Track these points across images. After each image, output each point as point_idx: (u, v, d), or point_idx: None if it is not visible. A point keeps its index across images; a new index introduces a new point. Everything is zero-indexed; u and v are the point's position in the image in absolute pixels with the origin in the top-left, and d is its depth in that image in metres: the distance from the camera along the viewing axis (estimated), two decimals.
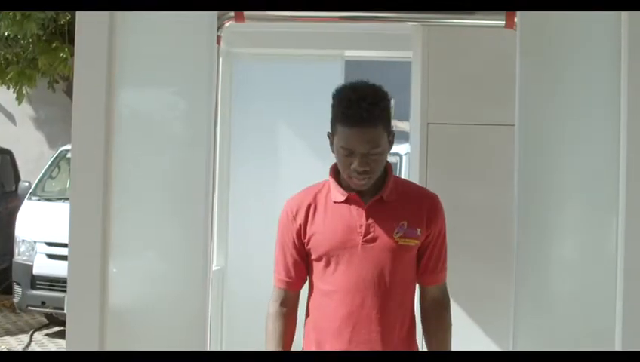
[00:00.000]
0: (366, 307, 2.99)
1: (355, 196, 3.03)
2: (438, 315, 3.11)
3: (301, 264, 3.10)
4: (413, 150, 4.42)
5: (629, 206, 2.87)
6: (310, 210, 3.08)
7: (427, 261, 3.09)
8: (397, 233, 3.01)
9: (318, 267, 3.06)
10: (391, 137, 3.01)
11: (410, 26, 4.26)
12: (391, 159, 3.10)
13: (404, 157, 7.72)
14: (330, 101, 2.97)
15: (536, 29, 3.03)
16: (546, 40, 3.03)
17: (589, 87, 3.02)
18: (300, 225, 3.07)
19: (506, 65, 3.26)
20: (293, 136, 5.13)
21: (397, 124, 7.12)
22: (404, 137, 5.47)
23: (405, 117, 5.47)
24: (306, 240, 3.07)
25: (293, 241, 3.08)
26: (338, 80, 5.02)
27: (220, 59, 3.76)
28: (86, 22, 3.08)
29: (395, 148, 8.82)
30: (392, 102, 2.98)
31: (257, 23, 3.82)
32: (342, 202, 3.05)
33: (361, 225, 3.01)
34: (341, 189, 3.05)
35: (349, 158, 2.94)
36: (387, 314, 3.00)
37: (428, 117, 4.29)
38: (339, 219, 3.04)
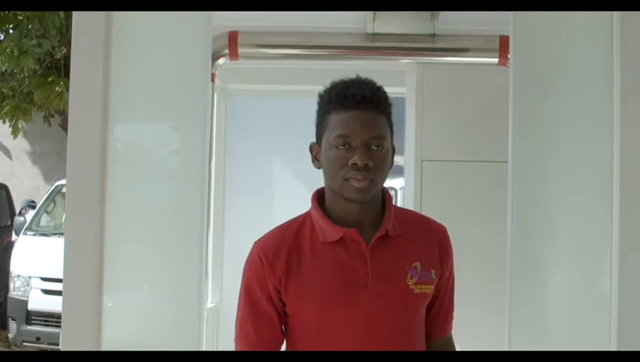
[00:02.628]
0: None
1: (354, 233, 2.32)
2: None
3: (277, 323, 2.45)
4: (407, 186, 4.43)
5: (623, 240, 2.87)
6: (293, 256, 2.37)
7: (438, 309, 2.51)
8: (410, 279, 2.35)
9: (307, 329, 2.40)
10: (393, 147, 2.43)
11: (404, 63, 4.29)
12: None
13: (400, 192, 7.76)
14: None
15: (528, 67, 3.04)
16: (538, 77, 3.05)
17: (583, 125, 3.03)
18: (281, 279, 2.37)
19: (499, 102, 3.28)
20: (288, 172, 5.16)
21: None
22: (400, 172, 5.50)
23: (400, 151, 5.48)
24: (290, 298, 2.38)
25: (269, 296, 2.41)
26: None
27: (215, 96, 3.79)
28: (81, 53, 3.07)
29: (391, 183, 8.81)
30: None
31: (251, 61, 3.86)
32: (334, 242, 2.35)
33: (365, 273, 2.32)
34: (333, 224, 2.35)
35: (346, 154, 2.28)
36: None
37: (422, 154, 4.31)
38: (334, 266, 2.34)
